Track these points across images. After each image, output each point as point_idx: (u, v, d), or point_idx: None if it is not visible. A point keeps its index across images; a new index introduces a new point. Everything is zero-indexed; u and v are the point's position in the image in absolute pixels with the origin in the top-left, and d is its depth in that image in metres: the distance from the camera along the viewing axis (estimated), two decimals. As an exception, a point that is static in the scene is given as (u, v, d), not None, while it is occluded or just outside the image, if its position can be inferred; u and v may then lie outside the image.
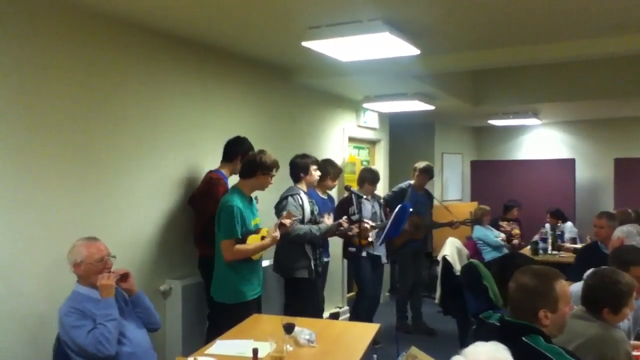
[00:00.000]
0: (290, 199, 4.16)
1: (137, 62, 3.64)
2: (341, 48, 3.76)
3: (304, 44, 3.64)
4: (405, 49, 3.73)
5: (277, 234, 3.56)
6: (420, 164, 5.75)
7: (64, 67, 3.15)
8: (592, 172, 8.96)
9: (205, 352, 2.66)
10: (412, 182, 5.75)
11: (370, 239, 4.90)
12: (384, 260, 5.24)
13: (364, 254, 4.94)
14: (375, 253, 5.09)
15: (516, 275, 2.11)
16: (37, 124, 3.01)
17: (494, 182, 8.83)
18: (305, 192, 4.30)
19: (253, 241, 3.46)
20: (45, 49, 3.04)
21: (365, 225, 4.69)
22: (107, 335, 2.50)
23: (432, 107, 6.34)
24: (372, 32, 3.38)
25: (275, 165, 3.58)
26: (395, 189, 5.81)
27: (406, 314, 5.88)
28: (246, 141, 4.04)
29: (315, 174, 4.44)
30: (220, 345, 2.75)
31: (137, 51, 3.64)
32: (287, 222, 3.66)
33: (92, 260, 2.65)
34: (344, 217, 4.45)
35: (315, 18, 3.44)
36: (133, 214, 3.63)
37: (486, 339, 2.03)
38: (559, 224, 6.80)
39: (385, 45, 3.63)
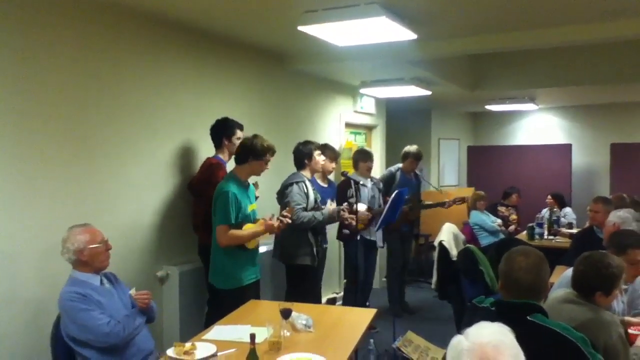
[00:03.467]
0: (295, 186, 4.15)
1: (131, 49, 3.61)
2: (337, 32, 3.73)
3: (300, 28, 3.60)
4: (402, 34, 3.70)
5: (274, 223, 3.49)
6: (411, 148, 5.78)
7: (56, 55, 3.11)
8: (589, 157, 8.98)
9: (203, 337, 2.67)
10: (400, 165, 5.78)
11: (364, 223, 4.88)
12: (379, 244, 5.26)
13: (357, 237, 4.92)
14: (369, 238, 5.10)
15: (514, 258, 2.14)
16: (32, 112, 2.99)
17: (491, 167, 8.85)
18: (309, 180, 4.30)
19: (249, 229, 3.45)
20: (38, 37, 3.01)
21: (360, 210, 4.69)
22: (125, 333, 2.57)
23: (429, 92, 6.32)
24: (369, 16, 3.34)
25: (268, 150, 3.53)
26: (385, 172, 5.88)
27: (397, 296, 5.88)
28: (226, 122, 3.98)
29: (319, 159, 4.44)
30: (218, 331, 2.77)
31: (132, 37, 3.61)
32: (287, 219, 3.61)
33: (95, 243, 2.65)
34: (344, 203, 4.45)
35: (311, 2, 3.40)
36: (130, 201, 3.62)
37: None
38: (554, 209, 6.82)
39: (382, 30, 3.60)
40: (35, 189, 3.02)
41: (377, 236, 5.16)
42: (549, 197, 7.12)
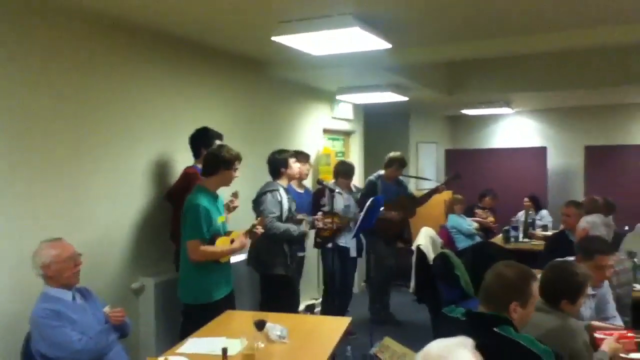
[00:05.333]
0: (269, 195, 4.15)
1: (107, 56, 3.58)
2: (312, 42, 3.75)
3: (274, 38, 3.62)
4: (376, 43, 3.73)
5: (247, 241, 3.52)
6: (396, 154, 5.71)
7: (28, 57, 3.08)
8: (564, 159, 9.13)
9: (177, 351, 2.66)
10: (382, 172, 5.72)
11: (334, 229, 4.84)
12: (352, 253, 5.25)
13: (329, 245, 4.93)
14: (343, 245, 5.10)
15: (498, 266, 2.17)
16: (5, 122, 2.96)
17: (468, 170, 8.90)
18: (284, 188, 4.31)
19: (222, 243, 3.43)
20: (10, 39, 2.98)
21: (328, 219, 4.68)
22: (97, 348, 2.59)
23: (405, 98, 6.38)
24: (342, 26, 3.37)
25: (236, 158, 3.50)
26: (365, 183, 5.75)
27: (380, 303, 5.86)
28: (206, 132, 3.99)
29: (295, 166, 4.44)
30: (192, 344, 2.76)
31: (108, 45, 3.59)
32: (259, 229, 3.62)
33: (62, 259, 2.63)
34: (319, 213, 4.47)
35: (284, 12, 3.42)
36: (103, 211, 3.59)
37: (451, 333, 2.08)
38: (530, 212, 6.93)
39: (356, 40, 3.64)
40: (7, 200, 2.99)
41: (351, 244, 5.16)
42: (526, 199, 7.22)
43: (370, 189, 5.57)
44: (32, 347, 2.56)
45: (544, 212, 7.20)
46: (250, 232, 3.58)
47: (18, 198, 3.04)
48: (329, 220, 4.57)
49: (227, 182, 3.55)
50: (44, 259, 2.61)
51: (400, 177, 5.84)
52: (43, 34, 3.17)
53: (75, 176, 3.39)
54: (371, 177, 5.77)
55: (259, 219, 3.78)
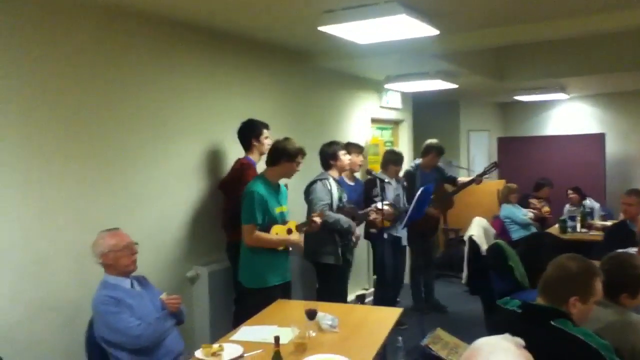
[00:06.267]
0: (319, 183, 4.20)
1: (155, 52, 3.68)
2: (358, 31, 3.71)
3: (320, 28, 3.61)
4: (424, 30, 3.67)
5: (301, 239, 3.65)
6: (433, 142, 5.61)
7: (83, 60, 3.20)
8: (623, 146, 8.74)
9: (230, 338, 2.72)
10: (419, 161, 5.63)
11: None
12: (404, 242, 5.25)
13: (385, 236, 4.93)
14: (396, 234, 5.09)
15: (561, 258, 2.11)
16: (59, 119, 3.09)
17: (522, 159, 8.70)
18: (335, 179, 4.33)
19: (277, 231, 3.50)
20: (62, 43, 3.10)
21: (385, 207, 4.69)
22: (155, 335, 2.67)
23: (455, 86, 6.25)
24: (389, 14, 3.32)
25: (299, 152, 3.59)
26: (404, 174, 5.58)
27: (421, 294, 5.80)
28: (252, 123, 4.05)
29: (345, 158, 4.46)
30: (244, 332, 2.81)
31: (153, 41, 3.67)
32: (317, 220, 3.69)
33: (119, 248, 2.74)
34: (373, 206, 4.46)
35: (329, 1, 3.40)
36: (157, 202, 3.70)
37: (505, 325, 2.03)
38: (583, 202, 6.68)
39: (403, 27, 3.57)
40: (67, 194, 3.13)
41: (403, 234, 5.15)
42: (570, 191, 6.96)
43: (409, 178, 5.49)
44: (95, 333, 2.67)
45: (587, 201, 6.91)
46: (307, 225, 3.65)
47: (75, 192, 3.17)
48: (384, 212, 4.56)
49: (288, 174, 3.64)
50: (102, 248, 2.72)
51: (440, 165, 5.74)
52: (86, 31, 3.27)
53: (130, 169, 3.50)
54: (409, 168, 5.70)
55: (319, 212, 3.85)
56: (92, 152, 3.26)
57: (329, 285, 4.26)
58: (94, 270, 2.81)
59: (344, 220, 4.18)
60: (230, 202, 3.98)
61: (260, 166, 3.91)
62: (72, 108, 3.15)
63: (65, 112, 3.11)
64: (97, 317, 2.67)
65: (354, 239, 4.39)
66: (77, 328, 2.90)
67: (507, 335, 1.32)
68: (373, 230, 4.94)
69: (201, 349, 2.48)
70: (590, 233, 5.98)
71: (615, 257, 2.38)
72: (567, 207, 6.76)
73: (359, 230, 4.68)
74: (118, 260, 2.74)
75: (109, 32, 3.36)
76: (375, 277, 5.46)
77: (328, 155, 4.40)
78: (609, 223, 5.92)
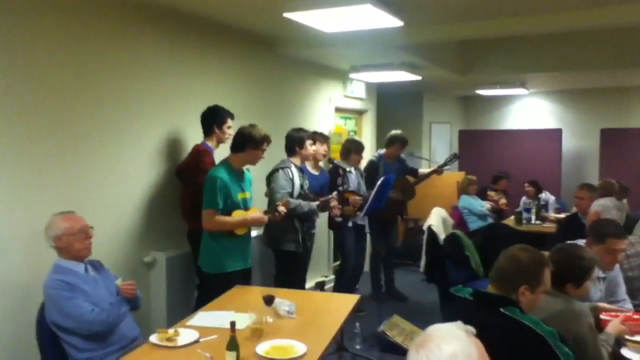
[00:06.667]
0: (280, 171, 4.18)
1: (115, 33, 3.59)
2: (324, 19, 3.72)
3: (286, 14, 3.60)
4: (388, 21, 3.69)
5: (264, 217, 3.60)
6: (397, 133, 5.66)
7: (39, 39, 3.10)
8: (579, 142, 9.02)
9: (187, 323, 2.71)
10: (383, 152, 5.67)
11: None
12: (367, 230, 5.31)
13: (349, 224, 4.99)
14: (360, 223, 5.15)
15: (513, 249, 2.18)
16: (13, 99, 2.98)
17: (482, 151, 8.88)
18: (297, 166, 4.32)
19: (238, 216, 3.49)
20: (19, 20, 2.99)
21: (354, 197, 4.77)
22: (109, 320, 2.63)
23: (419, 78, 6.32)
24: (354, 3, 3.33)
25: (265, 139, 3.58)
26: (367, 164, 5.66)
27: (380, 282, 5.88)
28: (217, 110, 4.00)
29: (310, 148, 4.45)
30: (201, 317, 2.80)
31: (116, 21, 3.58)
32: (282, 209, 3.69)
33: (73, 232, 2.68)
34: (334, 192, 4.49)
35: (296, -12, 3.39)
36: (115, 186, 3.63)
37: (459, 313, 2.09)
38: (540, 195, 6.88)
39: (368, 17, 3.59)
40: (21, 175, 3.03)
41: (365, 222, 5.21)
42: (527, 184, 7.15)
43: (372, 168, 5.53)
44: (46, 317, 2.61)
45: (543, 195, 7.12)
46: (272, 212, 3.64)
47: (29, 173, 3.08)
48: (352, 198, 4.60)
49: (253, 161, 3.62)
50: (56, 231, 2.65)
51: (402, 156, 5.80)
52: (52, 11, 3.17)
53: (86, 151, 3.42)
54: (372, 157, 5.73)
55: (284, 201, 3.84)
56: (49, 133, 3.17)
57: (289, 272, 4.27)
58: (47, 254, 2.74)
59: (304, 203, 4.17)
60: (188, 190, 3.94)
61: (218, 153, 3.87)
62: (27, 88, 3.04)
63: (20, 93, 3.00)
64: (48, 301, 2.61)
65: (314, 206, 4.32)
66: (28, 312, 2.84)
67: (459, 323, 1.36)
68: (338, 219, 4.98)
69: (156, 334, 2.46)
70: (544, 225, 6.18)
71: (563, 248, 2.47)
72: (524, 199, 6.95)
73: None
74: (72, 244, 2.68)
75: (70, 12, 3.25)
76: (337, 263, 5.50)
77: (295, 140, 4.36)
78: (562, 216, 6.13)
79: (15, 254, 3.02)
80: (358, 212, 4.96)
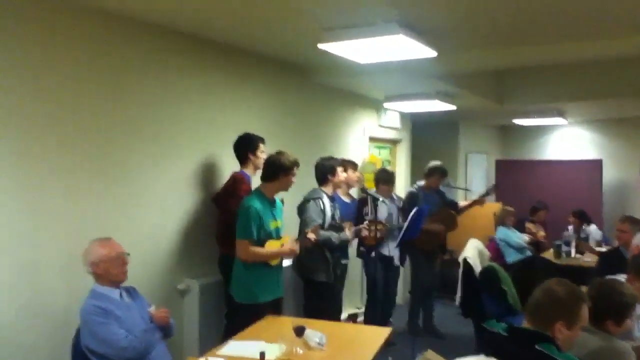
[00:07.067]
0: (312, 202, 4.18)
1: (155, 62, 3.70)
2: (357, 50, 3.75)
3: (320, 46, 3.65)
4: (422, 51, 3.70)
5: (297, 246, 3.60)
6: (437, 163, 5.63)
7: (80, 68, 3.22)
8: (620, 172, 8.76)
9: (217, 352, 2.70)
10: (422, 183, 5.63)
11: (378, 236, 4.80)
12: (396, 262, 5.20)
13: (372, 254, 4.89)
14: (386, 254, 5.05)
15: (549, 283, 2.12)
16: (55, 126, 3.09)
17: (519, 182, 8.70)
18: (328, 196, 4.32)
19: (271, 246, 3.50)
20: (61, 51, 3.12)
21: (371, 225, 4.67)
22: (142, 347, 2.65)
23: (453, 107, 6.28)
24: (387, 34, 3.36)
25: (295, 164, 3.60)
26: (406, 195, 5.65)
27: (418, 315, 5.74)
28: (248, 137, 4.05)
29: (342, 175, 4.45)
30: (232, 346, 2.80)
31: (156, 51, 3.70)
32: (311, 236, 3.70)
33: (110, 258, 2.73)
34: (365, 222, 4.45)
35: (329, 19, 3.43)
36: (151, 213, 3.70)
37: (492, 348, 2.03)
38: (583, 227, 6.66)
39: (401, 48, 3.61)
40: (63, 202, 3.12)
41: (395, 254, 5.11)
42: (572, 217, 6.95)
43: (412, 200, 5.46)
44: (81, 342, 2.66)
45: (593, 227, 6.89)
46: (301, 240, 3.65)
47: (70, 199, 3.17)
48: (374, 228, 4.55)
49: (285, 187, 3.66)
50: (93, 257, 2.72)
51: (441, 188, 5.74)
52: (92, 40, 3.30)
53: (124, 179, 3.50)
54: (412, 189, 5.68)
55: (312, 227, 3.85)
56: (87, 160, 3.27)
57: (319, 302, 4.23)
58: (84, 279, 2.80)
59: (335, 236, 4.16)
60: (223, 215, 3.98)
61: (256, 180, 3.92)
62: (68, 116, 3.16)
63: (61, 120, 3.12)
64: (84, 326, 2.65)
65: (348, 236, 4.31)
66: (64, 336, 2.88)
67: (482, 357, 1.32)
68: (362, 249, 4.93)
69: (187, 363, 2.47)
70: (584, 259, 5.96)
71: (602, 283, 2.38)
72: (568, 231, 6.71)
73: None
74: (108, 270, 2.73)
75: (108, 40, 3.38)
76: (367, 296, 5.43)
77: (326, 169, 4.36)
78: (603, 249, 5.91)
79: (54, 278, 3.10)
80: (387, 243, 4.90)
